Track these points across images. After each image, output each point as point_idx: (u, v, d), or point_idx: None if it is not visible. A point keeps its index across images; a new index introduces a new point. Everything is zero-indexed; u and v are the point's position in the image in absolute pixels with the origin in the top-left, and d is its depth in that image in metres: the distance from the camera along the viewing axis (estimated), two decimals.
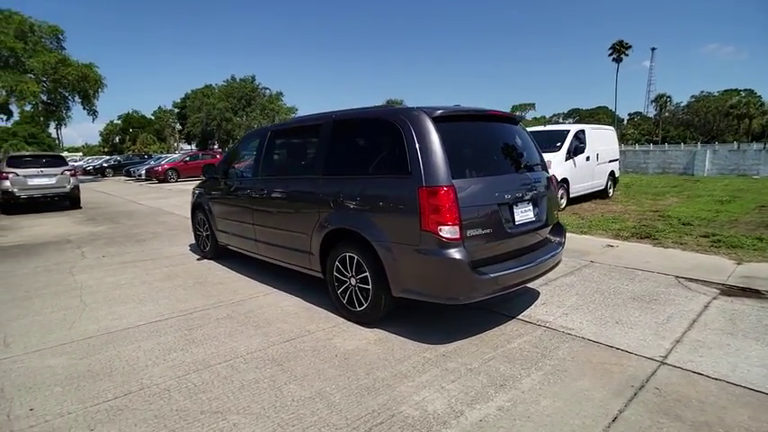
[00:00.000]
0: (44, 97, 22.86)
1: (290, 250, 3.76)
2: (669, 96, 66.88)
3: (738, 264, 4.45)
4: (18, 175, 9.81)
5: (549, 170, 8.19)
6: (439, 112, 2.83)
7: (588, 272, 4.36)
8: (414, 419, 2.01)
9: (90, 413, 2.14)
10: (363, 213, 3.00)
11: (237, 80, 52.18)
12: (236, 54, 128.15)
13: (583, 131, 9.21)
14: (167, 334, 3.07)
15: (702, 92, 64.67)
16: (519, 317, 3.25)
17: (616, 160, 10.61)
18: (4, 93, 20.14)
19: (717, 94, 63.40)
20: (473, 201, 2.70)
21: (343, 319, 3.26)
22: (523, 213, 3.03)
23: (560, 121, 69.54)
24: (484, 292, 2.74)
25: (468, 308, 3.34)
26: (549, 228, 3.42)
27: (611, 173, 10.31)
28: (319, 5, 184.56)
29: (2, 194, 9.77)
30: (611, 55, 59.32)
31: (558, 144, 8.61)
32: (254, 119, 48.02)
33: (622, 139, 59.45)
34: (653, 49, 76.87)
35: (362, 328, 3.11)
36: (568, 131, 8.90)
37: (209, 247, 5.23)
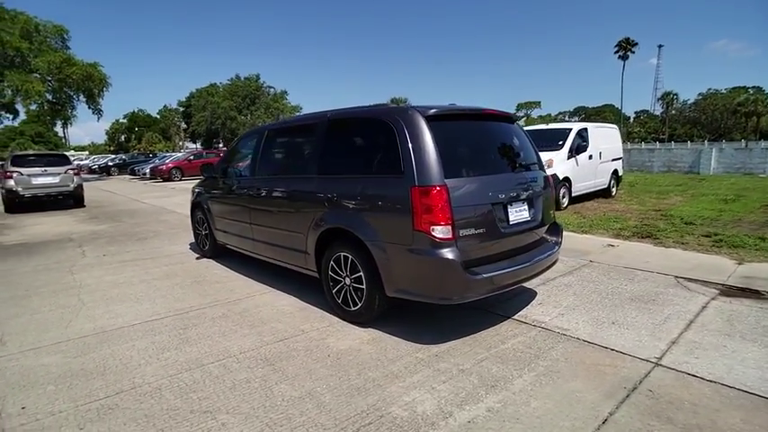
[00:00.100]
0: (49, 96, 23.05)
1: (286, 249, 3.76)
2: (676, 94, 66.17)
3: (739, 264, 4.40)
4: (22, 174, 9.90)
5: (551, 169, 8.23)
6: (432, 111, 2.81)
7: (587, 272, 4.33)
8: (402, 420, 2.01)
9: (81, 412, 2.15)
10: (357, 213, 2.99)
11: (242, 79, 52.38)
12: (241, 53, 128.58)
13: (585, 130, 9.13)
14: (162, 333, 3.08)
15: (710, 89, 63.85)
16: (514, 317, 3.23)
17: (619, 159, 10.51)
18: (9, 92, 20.35)
19: (725, 91, 62.63)
20: (466, 200, 2.69)
21: (338, 319, 3.26)
22: (518, 213, 3.01)
23: (566, 119, 69.03)
24: (477, 292, 2.72)
25: (464, 308, 3.32)
26: (546, 227, 3.40)
27: (615, 171, 10.22)
28: (324, 4, 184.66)
29: (6, 193, 9.88)
30: (617, 52, 58.87)
31: (560, 142, 8.55)
32: (258, 117, 48.16)
33: (628, 137, 58.98)
34: (660, 46, 76.02)
35: (357, 327, 3.10)
36: (570, 130, 8.83)
37: (208, 245, 5.25)
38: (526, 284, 3.79)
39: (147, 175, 22.41)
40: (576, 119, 68.41)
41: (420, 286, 2.74)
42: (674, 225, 6.34)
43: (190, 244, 5.97)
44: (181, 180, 20.64)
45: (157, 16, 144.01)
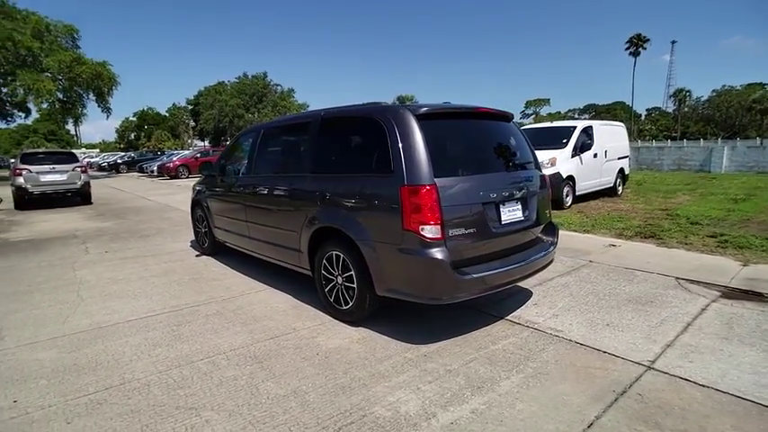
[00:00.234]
0: (60, 95, 23.43)
1: (280, 248, 3.77)
2: (689, 91, 64.96)
3: (744, 265, 4.30)
4: (31, 171, 10.09)
5: (554, 167, 8.13)
6: (423, 110, 2.78)
7: (586, 272, 4.26)
8: (384, 420, 2.00)
9: (70, 406, 2.18)
10: (349, 212, 2.98)
11: (249, 77, 52.69)
12: (249, 51, 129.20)
13: (591, 128, 9.00)
14: (155, 329, 3.11)
15: (724, 86, 62.49)
16: (507, 317, 3.19)
17: (626, 157, 10.34)
18: (21, 91, 20.74)
19: (739, 87, 61.21)
20: (456, 200, 2.66)
21: (330, 318, 3.26)
22: (511, 213, 2.97)
23: (576, 116, 68.13)
24: (468, 292, 2.70)
25: (456, 307, 3.30)
26: (541, 227, 3.35)
27: (621, 170, 10.06)
28: (331, 3, 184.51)
29: (16, 190, 10.08)
30: (627, 49, 57.93)
31: (564, 141, 8.44)
32: (265, 115, 48.40)
33: (639, 135, 58.05)
34: (673, 42, 74.73)
35: (348, 326, 3.10)
36: (575, 128, 8.71)
37: (207, 243, 5.29)
38: (522, 284, 3.76)
39: (155, 173, 22.66)
40: (586, 116, 67.52)
41: (409, 286, 2.72)
42: (679, 225, 6.22)
43: (191, 241, 6.02)
44: (188, 177, 20.82)
45: (166, 15, 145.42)
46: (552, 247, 3.35)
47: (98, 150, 62.43)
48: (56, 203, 10.95)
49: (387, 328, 3.01)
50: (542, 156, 7.99)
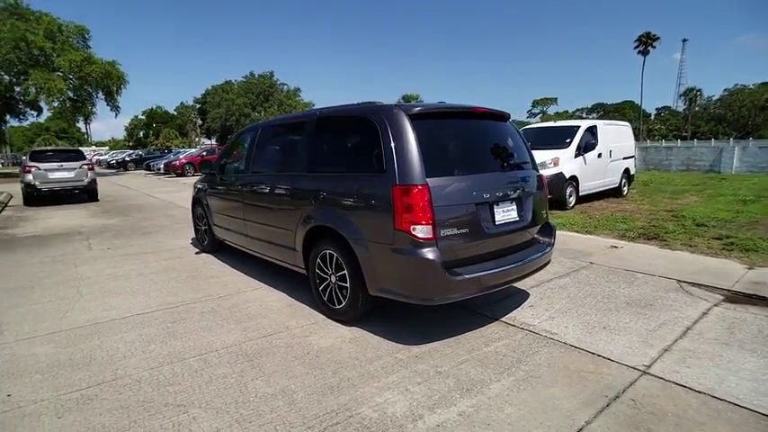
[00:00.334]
0: (71, 94, 23.77)
1: (276, 246, 3.77)
2: (699, 90, 63.85)
3: (750, 268, 4.20)
4: (39, 168, 10.25)
5: (557, 167, 8.04)
6: (416, 109, 2.76)
7: (585, 274, 4.21)
8: (370, 421, 1.98)
9: (61, 401, 2.20)
10: (342, 211, 2.97)
11: (256, 76, 52.93)
12: (256, 50, 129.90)
13: (595, 127, 8.88)
14: (151, 326, 3.13)
15: (736, 85, 61.25)
16: (502, 319, 3.16)
17: (631, 157, 10.19)
18: (33, 90, 21.10)
19: (752, 86, 59.99)
20: (449, 200, 2.63)
21: (323, 317, 3.25)
22: (505, 213, 2.93)
23: (584, 116, 67.36)
24: (460, 292, 2.68)
25: (451, 308, 3.27)
26: (537, 228, 3.31)
27: (626, 170, 9.91)
28: (338, 2, 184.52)
29: (25, 187, 10.25)
30: (636, 47, 57.17)
31: (568, 140, 8.34)
32: (271, 114, 48.60)
33: (649, 134, 57.23)
34: (684, 40, 73.54)
35: (341, 326, 3.09)
36: (579, 127, 8.60)
37: (207, 241, 5.32)
38: (519, 286, 3.73)
39: (162, 171, 22.90)
40: (594, 116, 66.74)
41: (401, 286, 2.70)
42: (684, 226, 6.11)
43: (191, 239, 6.06)
44: (194, 175, 20.98)
45: (175, 15, 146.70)
46: (549, 248, 3.30)
47: (107, 148, 63.30)
48: (63, 200, 11.11)
49: (380, 328, 3.00)
50: (545, 156, 7.96)
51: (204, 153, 22.86)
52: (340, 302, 3.09)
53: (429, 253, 2.52)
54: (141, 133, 68.07)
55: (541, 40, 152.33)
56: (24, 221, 8.27)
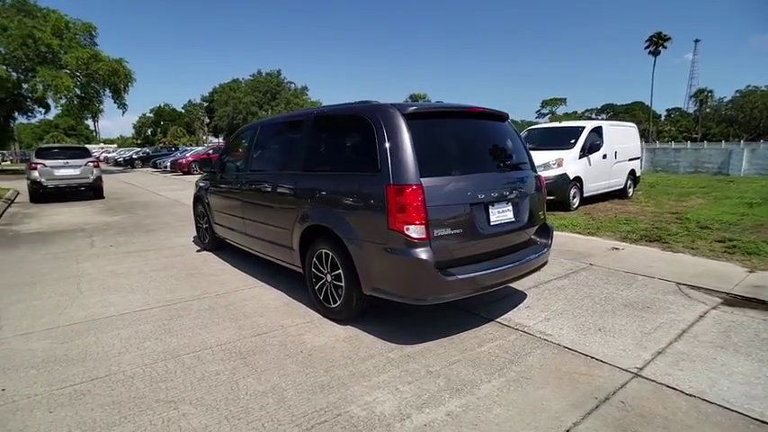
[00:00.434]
0: (78, 91, 24.03)
1: (274, 245, 3.79)
2: (710, 91, 63.02)
3: (751, 272, 4.15)
4: (45, 165, 10.37)
5: (561, 168, 7.98)
6: (412, 108, 2.76)
7: (584, 275, 4.18)
8: (358, 420, 1.99)
9: (54, 396, 2.23)
10: (337, 210, 2.98)
11: (263, 74, 53.15)
12: (263, 49, 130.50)
13: (600, 128, 8.81)
14: (147, 323, 3.17)
15: (748, 86, 60.32)
16: (497, 320, 3.15)
17: (637, 159, 10.10)
18: (41, 87, 21.37)
19: (765, 88, 59.02)
20: (443, 200, 2.63)
21: (319, 316, 3.26)
22: (501, 213, 2.92)
23: (593, 116, 66.78)
24: (453, 292, 2.67)
25: (446, 308, 3.27)
26: (534, 228, 3.29)
27: (632, 172, 9.83)
28: (347, 0, 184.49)
29: (31, 184, 10.38)
30: (647, 48, 56.55)
31: (572, 141, 8.28)
32: (278, 113, 48.84)
33: (658, 136, 56.59)
34: (696, 40, 72.52)
35: (336, 325, 3.10)
36: (583, 128, 8.54)
37: (208, 239, 5.36)
38: (517, 287, 3.71)
39: (168, 168, 23.09)
40: (603, 116, 66.18)
41: (395, 286, 2.71)
42: (687, 229, 6.05)
43: (193, 237, 6.11)
44: (200, 173, 21.17)
45: (182, 12, 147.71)
46: (545, 249, 3.29)
47: (116, 145, 63.86)
48: (69, 197, 11.24)
49: (374, 328, 3.00)
50: (549, 156, 7.92)
51: (210, 151, 22.96)
52: (335, 301, 3.10)
53: (422, 253, 2.52)
54: (149, 131, 68.66)
55: (551, 41, 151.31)
56: (29, 218, 8.39)
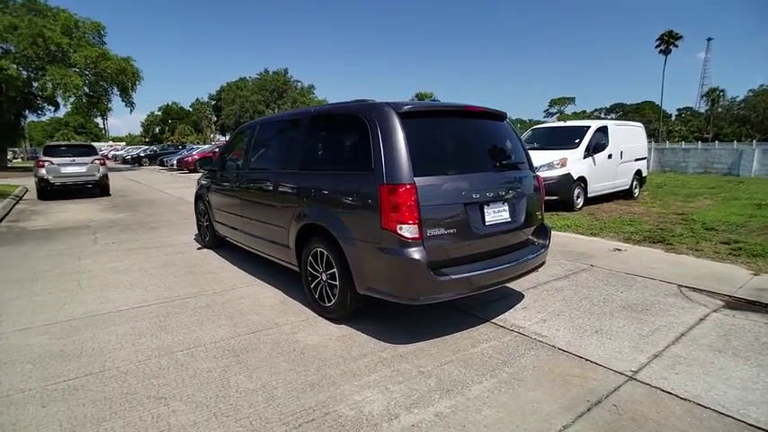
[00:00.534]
0: (87, 90, 24.32)
1: (271, 243, 3.80)
2: (722, 90, 62.06)
3: (755, 274, 4.07)
4: (53, 163, 10.52)
5: (565, 168, 7.90)
6: (406, 107, 2.74)
7: (584, 276, 4.13)
8: (345, 419, 1.98)
9: (48, 391, 2.25)
10: (332, 209, 2.98)
11: (270, 73, 53.45)
12: (270, 48, 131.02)
13: (605, 128, 8.71)
14: (144, 319, 3.19)
15: (762, 85, 59.25)
16: (493, 320, 3.12)
17: (643, 159, 9.97)
18: (50, 86, 21.66)
19: None
20: (437, 200, 2.61)
21: (314, 314, 3.26)
22: (496, 213, 2.90)
23: (602, 116, 66.02)
24: (447, 293, 2.65)
25: (441, 308, 3.25)
26: (531, 229, 3.26)
27: (638, 172, 9.71)
28: None
29: (39, 181, 10.53)
30: (658, 46, 55.80)
31: (577, 141, 8.20)
32: (285, 111, 49.02)
33: (669, 136, 55.82)
34: (709, 39, 71.24)
35: (330, 323, 3.10)
36: (588, 127, 8.45)
37: (208, 237, 5.39)
38: (514, 287, 3.68)
39: (175, 166, 23.29)
40: (613, 116, 65.43)
41: (388, 285, 2.69)
42: (692, 230, 5.95)
43: (195, 235, 6.15)
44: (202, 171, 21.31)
45: (190, 11, 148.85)
46: (543, 249, 3.25)
47: (124, 143, 64.61)
48: (76, 194, 11.39)
49: (369, 327, 3.00)
50: (552, 156, 7.85)
51: (216, 150, 23.14)
52: (330, 300, 3.10)
53: (415, 253, 2.51)
54: (157, 129, 69.30)
55: (560, 41, 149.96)
56: (36, 215, 8.51)
